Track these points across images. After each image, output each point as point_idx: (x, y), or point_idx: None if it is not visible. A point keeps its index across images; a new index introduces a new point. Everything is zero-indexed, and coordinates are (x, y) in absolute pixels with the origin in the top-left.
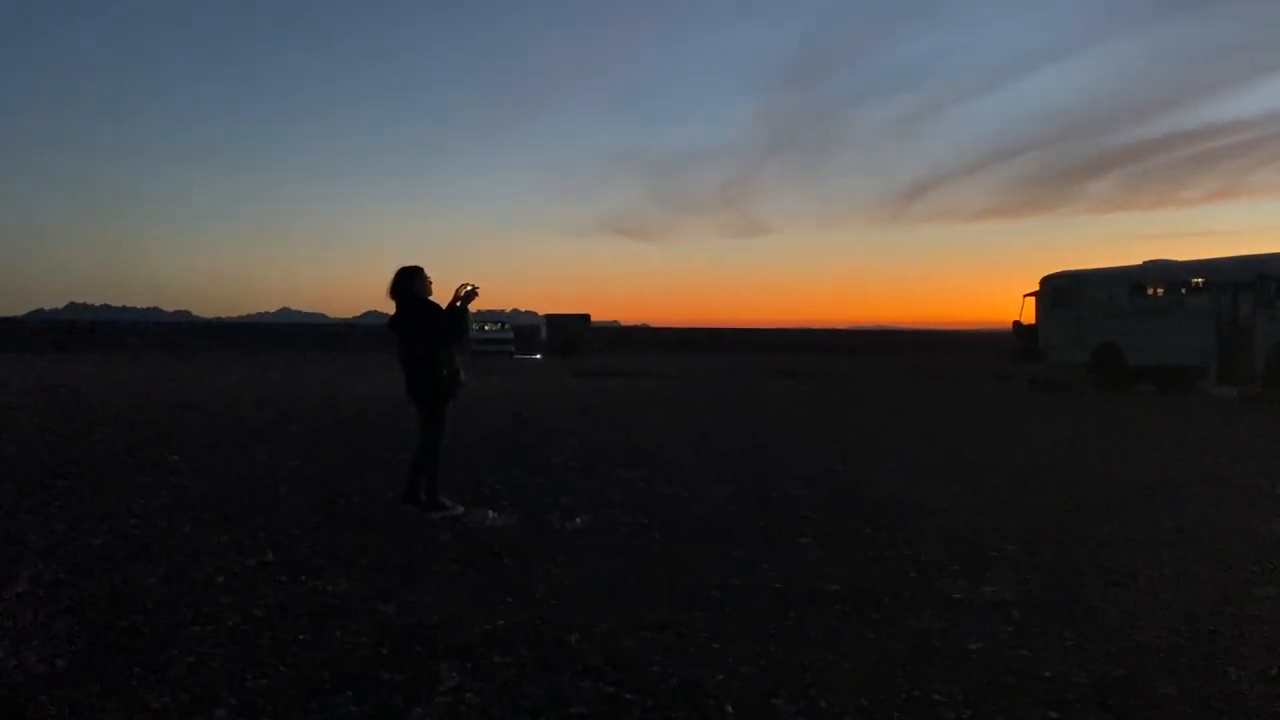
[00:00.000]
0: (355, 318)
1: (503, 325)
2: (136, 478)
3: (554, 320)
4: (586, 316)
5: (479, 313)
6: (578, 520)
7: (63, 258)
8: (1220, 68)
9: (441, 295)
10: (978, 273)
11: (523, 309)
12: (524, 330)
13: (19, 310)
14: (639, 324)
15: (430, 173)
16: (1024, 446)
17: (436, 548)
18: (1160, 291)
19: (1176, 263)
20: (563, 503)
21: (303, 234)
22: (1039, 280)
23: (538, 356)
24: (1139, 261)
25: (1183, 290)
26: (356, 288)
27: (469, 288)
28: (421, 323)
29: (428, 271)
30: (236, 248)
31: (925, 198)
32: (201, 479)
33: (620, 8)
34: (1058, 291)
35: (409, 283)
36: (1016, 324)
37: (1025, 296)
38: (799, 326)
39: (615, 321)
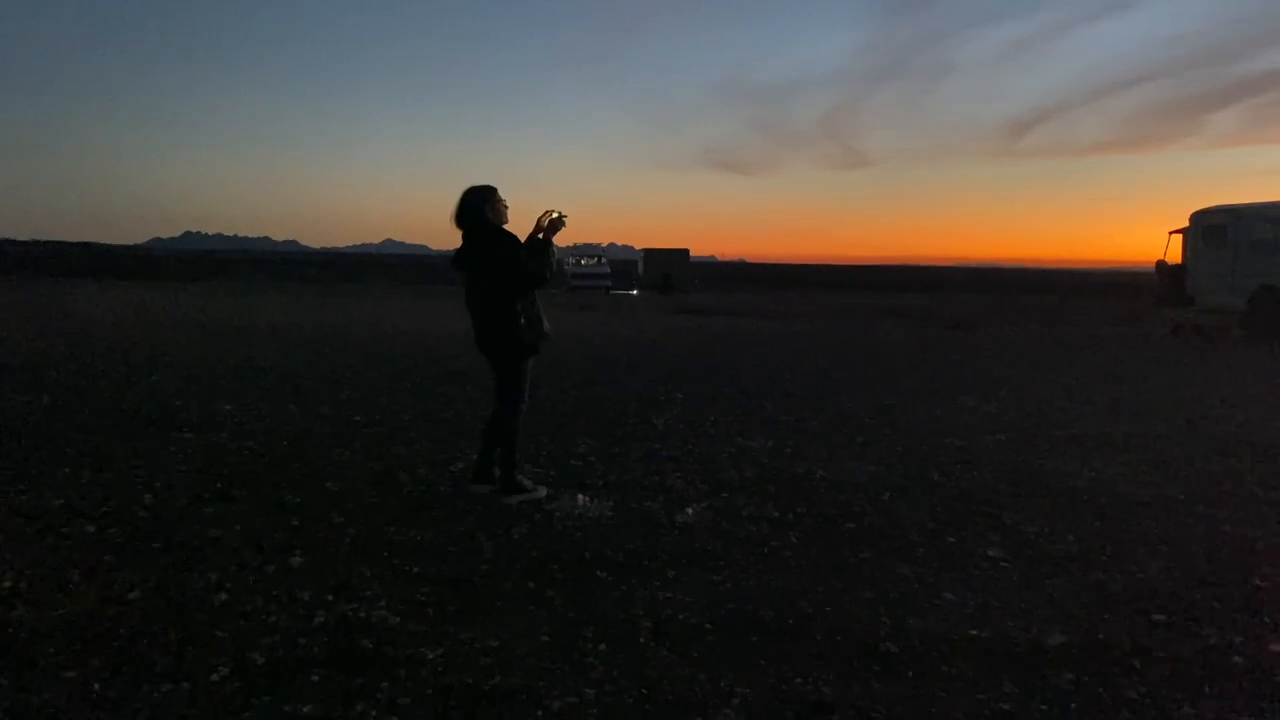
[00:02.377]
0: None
1: (599, 259)
2: (176, 434)
3: (652, 255)
4: (686, 252)
5: (574, 246)
6: (689, 510)
7: (179, 187)
8: None
9: (521, 227)
10: (1091, 210)
11: (619, 244)
12: (620, 265)
13: (139, 238)
14: (736, 259)
15: (526, 107)
16: (1219, 414)
17: (510, 550)
18: None
19: None
20: (669, 483)
21: (405, 168)
22: (1189, 215)
23: (635, 293)
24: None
25: None
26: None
27: (555, 215)
28: (495, 258)
29: (503, 195)
30: (343, 180)
31: (1037, 130)
32: (247, 439)
33: None
34: (1211, 228)
35: (478, 207)
36: (1160, 264)
37: (1172, 234)
38: (902, 263)
39: (712, 256)
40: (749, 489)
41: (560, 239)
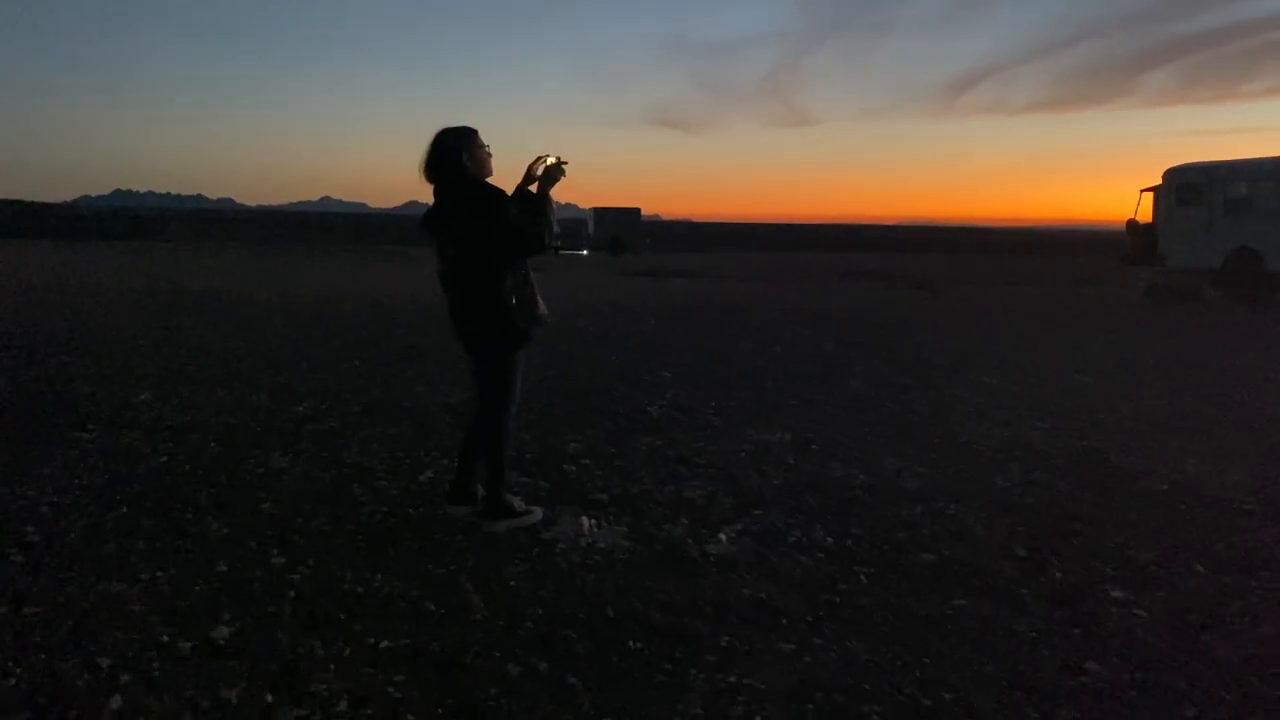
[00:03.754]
0: (396, 208)
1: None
2: (77, 434)
3: (602, 214)
4: (637, 211)
5: None
6: (722, 537)
7: (107, 143)
8: None
9: (505, 181)
10: (1028, 168)
11: (562, 201)
12: (569, 225)
13: (65, 196)
14: (681, 218)
15: (467, 63)
16: (1260, 383)
17: (507, 606)
18: None
19: None
20: (687, 496)
21: (342, 124)
22: (1162, 173)
23: (584, 253)
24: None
25: None
26: (396, 177)
27: (550, 161)
28: (479, 220)
29: (483, 140)
30: (279, 136)
31: (975, 89)
32: (166, 439)
33: None
34: (1185, 187)
35: (454, 156)
36: (1131, 223)
37: (1143, 192)
38: (845, 221)
39: (657, 215)
40: (784, 503)
41: None
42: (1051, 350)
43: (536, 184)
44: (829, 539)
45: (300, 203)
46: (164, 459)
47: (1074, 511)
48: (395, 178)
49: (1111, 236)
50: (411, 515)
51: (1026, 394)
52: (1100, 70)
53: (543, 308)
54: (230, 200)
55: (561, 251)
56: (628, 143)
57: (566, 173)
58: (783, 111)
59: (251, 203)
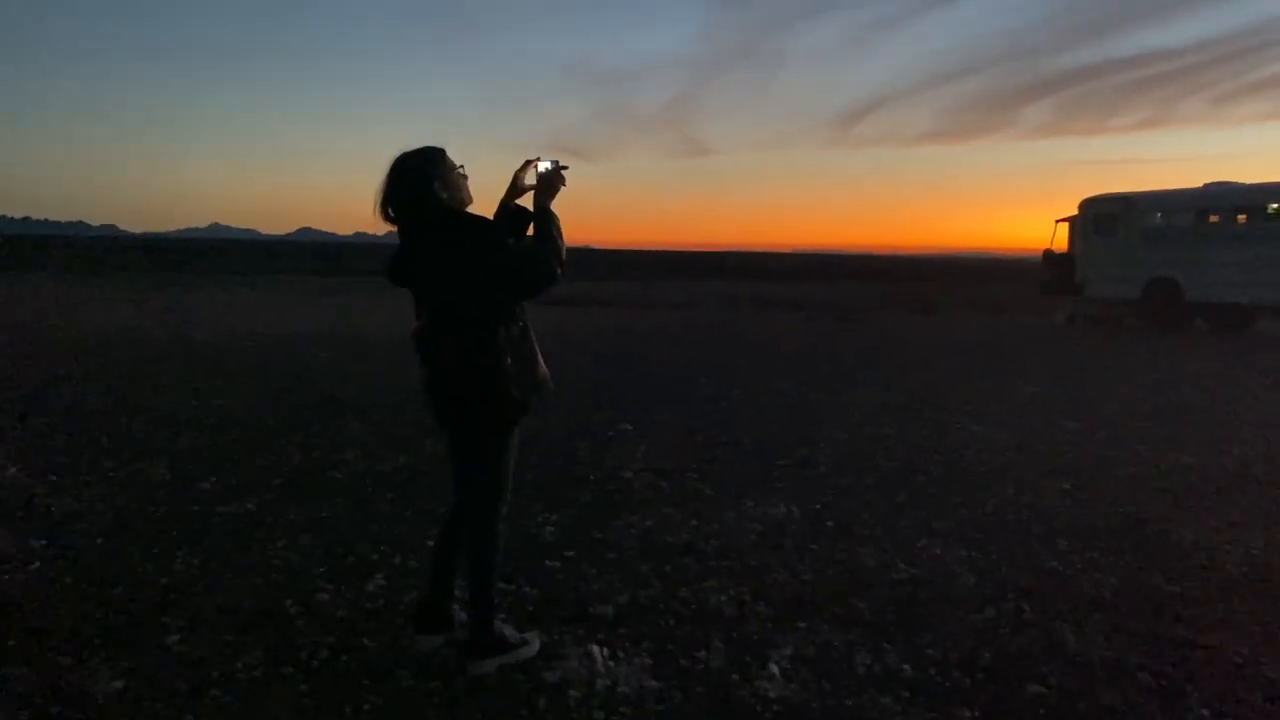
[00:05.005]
0: (289, 234)
1: None
2: None
3: None
4: None
5: None
6: (774, 668)
7: None
8: None
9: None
10: (920, 197)
11: None
12: None
13: None
14: (582, 245)
15: (369, 87)
16: (1242, 424)
17: None
18: (1232, 218)
19: (1254, 186)
20: (712, 604)
21: (234, 148)
22: (1078, 204)
23: None
24: (1071, 195)
25: (1264, 217)
26: (289, 204)
27: (548, 165)
28: (469, 259)
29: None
30: (166, 160)
31: (868, 120)
32: (38, 534)
33: None
34: (1102, 217)
35: (423, 183)
36: (1048, 253)
37: (1059, 222)
38: (744, 249)
39: None
40: (829, 609)
41: None
42: (1016, 389)
43: (533, 196)
44: (905, 666)
45: (189, 229)
46: (31, 573)
47: (1158, 602)
48: (287, 204)
49: (1002, 263)
50: (368, 648)
51: (1024, 446)
52: (984, 103)
53: (543, 369)
54: (114, 226)
55: None
56: None
57: (567, 180)
58: (681, 141)
59: (137, 229)
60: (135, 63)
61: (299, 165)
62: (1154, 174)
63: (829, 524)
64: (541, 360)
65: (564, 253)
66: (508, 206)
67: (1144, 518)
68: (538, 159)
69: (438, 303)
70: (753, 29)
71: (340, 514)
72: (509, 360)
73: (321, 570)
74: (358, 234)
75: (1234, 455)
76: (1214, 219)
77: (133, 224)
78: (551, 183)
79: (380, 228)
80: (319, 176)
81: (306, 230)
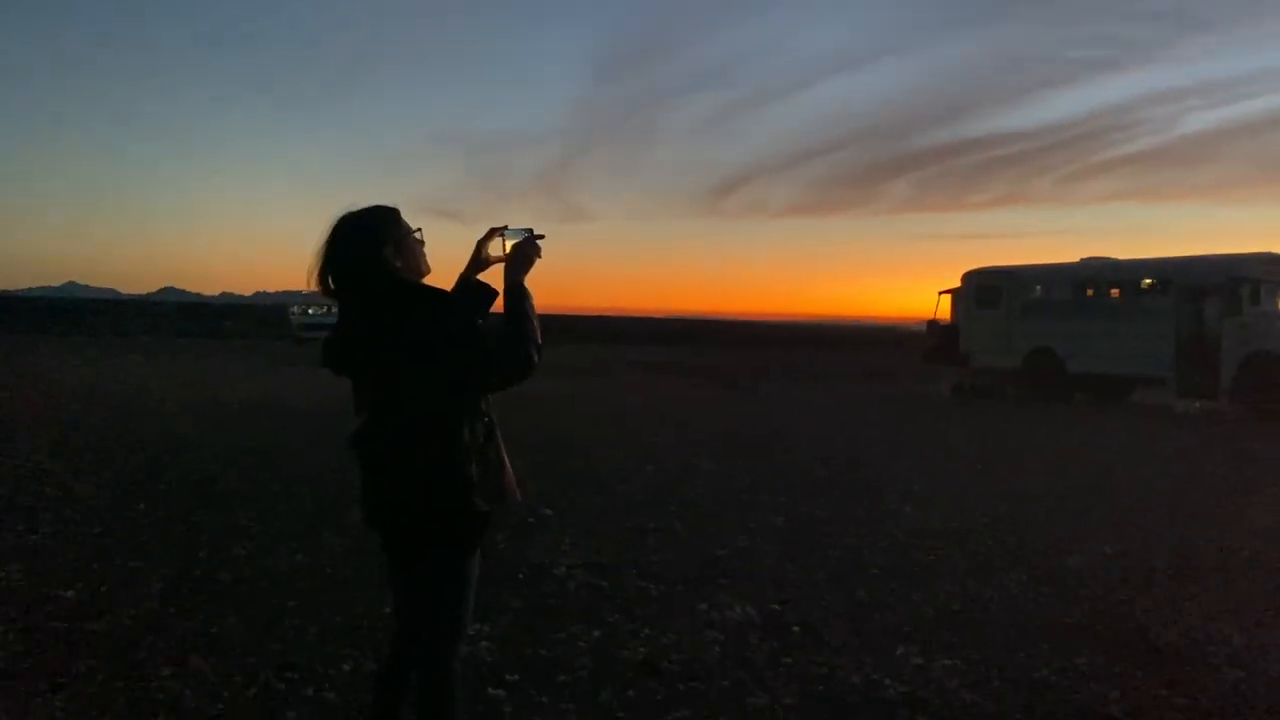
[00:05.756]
0: (150, 294)
1: (329, 308)
2: None
3: None
4: None
5: (304, 292)
6: None
7: None
8: (1005, 81)
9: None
10: (787, 267)
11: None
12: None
13: None
14: None
15: (231, 145)
16: (1190, 504)
17: None
18: (1108, 293)
19: (1126, 261)
20: None
21: (93, 206)
22: (961, 276)
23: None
24: (966, 268)
25: (1137, 292)
26: (151, 263)
27: (514, 238)
28: (429, 342)
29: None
30: (16, 215)
31: (738, 192)
32: None
33: None
34: (984, 289)
35: (372, 248)
36: (932, 323)
37: (941, 293)
38: (621, 314)
39: None
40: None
41: (293, 283)
42: (935, 463)
43: (503, 270)
44: None
45: (43, 288)
46: None
47: None
48: (149, 262)
49: (865, 330)
50: None
51: (964, 531)
52: (847, 179)
53: (510, 476)
54: None
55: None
56: None
57: (542, 251)
58: (559, 208)
59: None
60: None
61: (161, 223)
62: (1007, 249)
63: (795, 629)
64: (509, 465)
65: (540, 336)
66: (469, 282)
67: (1115, 612)
68: (504, 227)
69: (386, 395)
70: (627, 103)
71: (234, 629)
72: (473, 467)
73: (220, 709)
74: (224, 294)
75: (1176, 536)
76: (1090, 293)
77: None
78: (526, 255)
79: (248, 288)
80: (183, 235)
81: (170, 289)
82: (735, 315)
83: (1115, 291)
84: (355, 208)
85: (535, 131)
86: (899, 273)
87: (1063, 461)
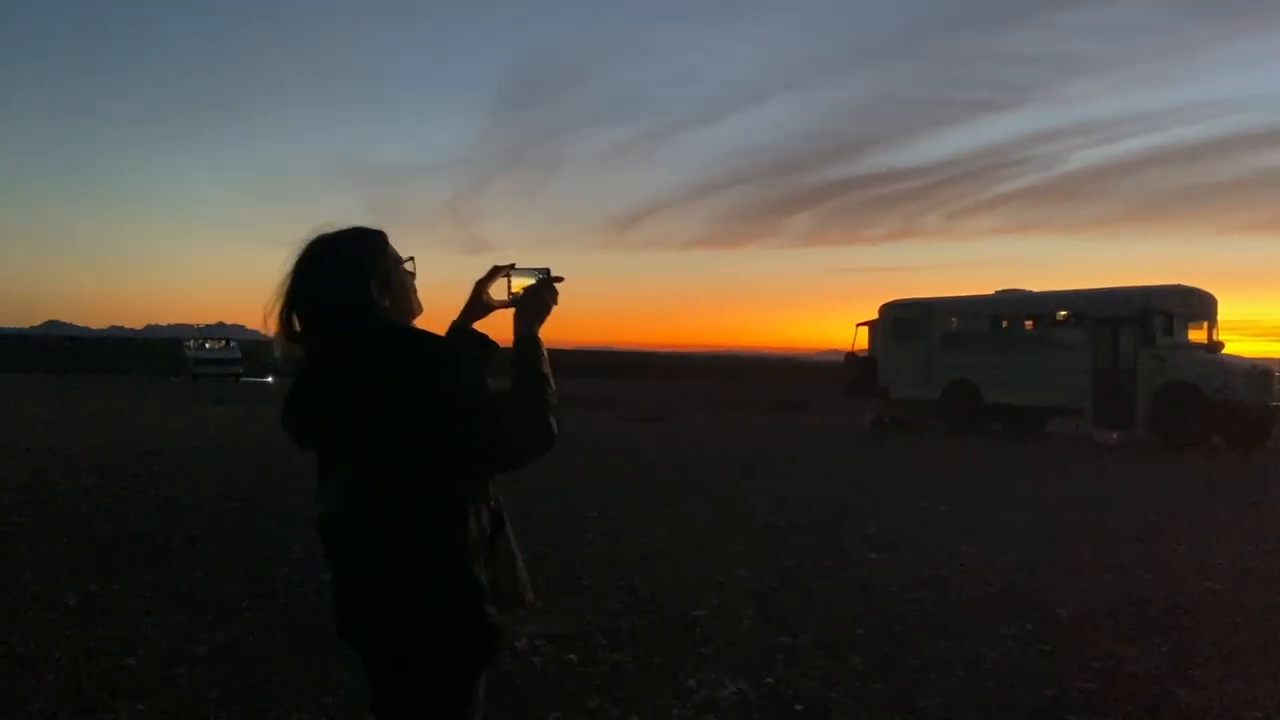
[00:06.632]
0: (35, 327)
1: (227, 342)
2: None
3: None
4: None
5: (199, 326)
6: None
7: None
8: (900, 118)
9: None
10: (694, 299)
11: (232, 323)
12: (254, 348)
13: None
14: None
15: (120, 171)
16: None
17: None
18: (1024, 324)
19: (1041, 293)
20: None
21: None
22: (878, 308)
23: (270, 380)
24: (881, 300)
25: (1052, 324)
26: (34, 295)
27: (525, 280)
28: (423, 405)
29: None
30: None
31: (642, 224)
32: None
33: (338, 8)
34: (901, 321)
35: (356, 282)
36: (850, 355)
37: (859, 325)
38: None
39: None
40: None
41: (186, 316)
42: (886, 502)
43: (514, 319)
44: None
45: None
46: None
47: None
48: (32, 295)
49: (770, 360)
50: None
51: (940, 581)
52: (750, 213)
53: (523, 576)
54: None
55: (244, 379)
56: None
57: (559, 295)
58: (462, 238)
59: None
60: None
61: (44, 255)
62: (903, 281)
63: (798, 708)
64: (521, 562)
65: (555, 396)
66: (464, 331)
67: (1130, 672)
68: (511, 266)
69: (367, 470)
70: (529, 135)
71: None
72: (479, 564)
73: None
74: (113, 328)
75: (1160, 587)
76: (1006, 324)
77: None
78: (543, 301)
79: (139, 320)
80: (68, 267)
81: (55, 324)
82: (642, 346)
83: (1030, 323)
84: (331, 228)
85: (436, 162)
86: (803, 304)
87: (1009, 496)
